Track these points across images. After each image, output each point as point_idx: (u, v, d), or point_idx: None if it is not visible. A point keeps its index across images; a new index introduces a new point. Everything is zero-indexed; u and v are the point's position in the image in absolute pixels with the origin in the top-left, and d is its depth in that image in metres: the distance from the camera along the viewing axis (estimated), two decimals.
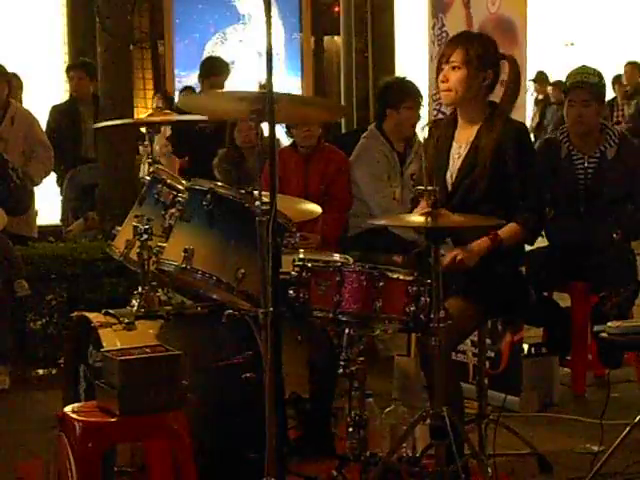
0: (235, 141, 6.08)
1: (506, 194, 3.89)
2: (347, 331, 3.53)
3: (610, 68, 7.85)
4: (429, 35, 5.63)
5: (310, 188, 5.90)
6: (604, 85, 5.46)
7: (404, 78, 6.36)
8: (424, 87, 6.27)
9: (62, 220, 8.01)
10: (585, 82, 5.35)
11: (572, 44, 13.54)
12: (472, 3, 5.30)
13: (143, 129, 5.09)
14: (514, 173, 3.88)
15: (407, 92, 6.08)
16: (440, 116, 5.53)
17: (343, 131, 9.39)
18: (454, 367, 4.05)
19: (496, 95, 4.07)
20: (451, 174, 3.99)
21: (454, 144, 4.04)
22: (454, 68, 3.93)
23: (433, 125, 4.24)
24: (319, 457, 3.90)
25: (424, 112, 6.14)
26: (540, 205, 4.04)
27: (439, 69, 4.00)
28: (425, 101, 6.15)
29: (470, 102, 3.98)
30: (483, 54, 3.94)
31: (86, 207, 7.51)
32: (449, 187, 3.98)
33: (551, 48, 12.94)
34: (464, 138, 4.01)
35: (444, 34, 5.45)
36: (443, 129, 4.09)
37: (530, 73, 8.73)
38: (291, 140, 6.17)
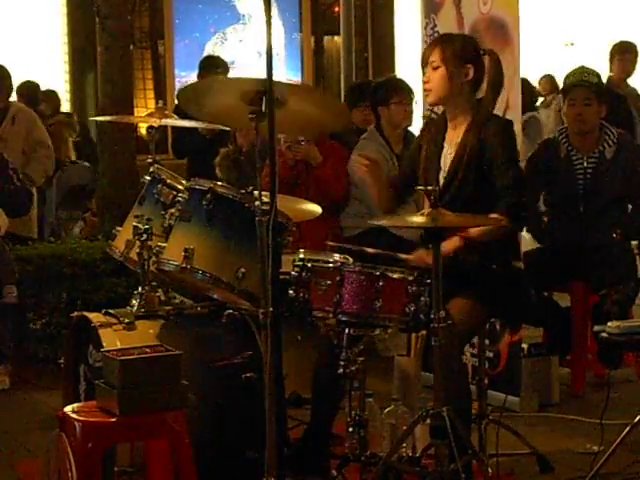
0: (237, 140, 6.09)
1: (494, 194, 3.81)
2: (347, 331, 3.54)
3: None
4: (422, 35, 5.62)
5: (310, 191, 5.90)
6: (603, 85, 5.47)
7: (393, 77, 6.36)
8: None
9: (49, 223, 7.95)
10: (586, 81, 5.37)
11: (572, 44, 13.52)
12: (463, 3, 5.26)
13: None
14: (499, 167, 3.79)
15: (395, 88, 6.13)
16: (433, 116, 5.52)
17: None
18: (464, 368, 4.03)
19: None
20: (444, 175, 3.95)
21: (445, 145, 4.00)
22: (434, 68, 3.91)
23: (428, 122, 4.16)
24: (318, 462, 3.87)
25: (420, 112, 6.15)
26: (523, 197, 3.87)
27: (423, 72, 3.98)
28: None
29: (454, 101, 3.94)
30: (460, 50, 3.91)
31: (74, 208, 7.49)
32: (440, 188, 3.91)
33: (551, 48, 12.92)
34: (453, 139, 3.97)
35: (436, 34, 5.42)
36: (435, 130, 4.04)
37: (530, 73, 8.69)
38: None
